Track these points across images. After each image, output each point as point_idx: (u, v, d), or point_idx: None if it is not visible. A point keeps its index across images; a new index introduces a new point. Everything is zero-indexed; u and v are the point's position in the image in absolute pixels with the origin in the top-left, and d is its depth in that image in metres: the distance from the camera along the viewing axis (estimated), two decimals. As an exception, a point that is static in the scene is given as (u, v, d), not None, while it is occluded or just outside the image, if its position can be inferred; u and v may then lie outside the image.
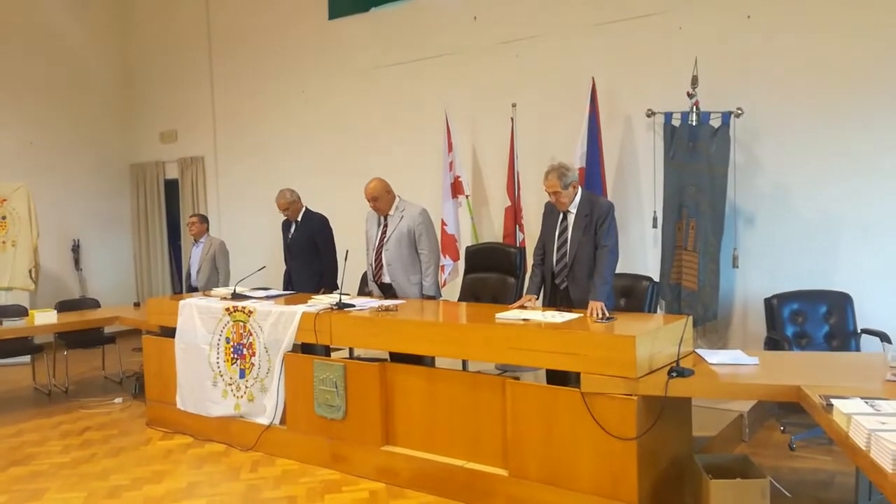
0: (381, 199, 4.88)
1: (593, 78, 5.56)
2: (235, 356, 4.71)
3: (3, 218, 7.93)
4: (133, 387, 6.32)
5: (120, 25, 9.57)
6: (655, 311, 4.39)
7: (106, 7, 9.46)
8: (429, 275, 4.93)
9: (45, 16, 8.75)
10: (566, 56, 6.01)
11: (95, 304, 7.00)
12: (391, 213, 4.93)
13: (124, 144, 9.58)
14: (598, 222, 3.96)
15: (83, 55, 9.19)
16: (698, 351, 3.69)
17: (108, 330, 6.68)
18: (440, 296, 5.09)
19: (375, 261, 4.96)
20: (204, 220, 6.82)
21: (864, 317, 4.62)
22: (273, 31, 8.04)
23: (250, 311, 4.65)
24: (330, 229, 5.64)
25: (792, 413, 4.64)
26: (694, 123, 5.10)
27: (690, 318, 3.73)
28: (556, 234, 4.11)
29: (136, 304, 7.16)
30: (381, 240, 4.93)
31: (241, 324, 4.68)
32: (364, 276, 5.34)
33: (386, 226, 4.94)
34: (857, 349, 4.53)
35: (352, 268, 4.83)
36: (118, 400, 6.05)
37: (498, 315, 3.87)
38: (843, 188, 4.91)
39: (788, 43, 5.06)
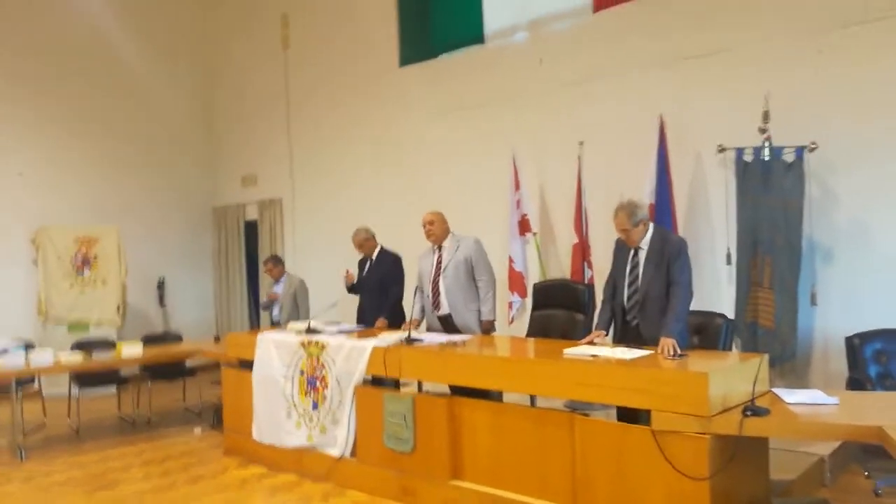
0: (437, 224, 5.08)
1: (661, 115, 5.57)
2: (309, 388, 4.84)
3: (95, 258, 8.45)
4: (211, 418, 6.55)
5: (204, 78, 10.21)
6: (730, 350, 4.29)
7: (193, 63, 10.12)
8: (487, 301, 5.04)
9: (138, 72, 9.38)
10: (632, 94, 6.04)
11: (178, 339, 7.34)
12: (445, 244, 5.09)
13: (207, 188, 10.13)
14: (671, 259, 3.93)
15: (171, 107, 9.82)
16: (775, 390, 3.58)
17: (189, 363, 6.98)
18: (496, 319, 5.17)
19: (433, 292, 5.08)
20: (278, 261, 7.09)
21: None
22: (347, 79, 8.39)
23: (323, 345, 4.80)
24: (401, 268, 5.78)
25: (877, 458, 4.40)
26: (767, 158, 5.02)
27: (766, 356, 3.65)
28: (628, 270, 4.10)
29: (217, 339, 7.45)
30: (438, 270, 5.05)
31: (315, 357, 4.82)
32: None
33: (441, 257, 5.07)
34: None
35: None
36: (197, 430, 6.28)
37: (566, 350, 3.87)
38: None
39: (859, 76, 4.96)
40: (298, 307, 6.83)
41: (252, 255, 9.63)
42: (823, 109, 5.07)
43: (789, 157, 4.99)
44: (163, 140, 9.70)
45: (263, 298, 7.33)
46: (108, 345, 6.63)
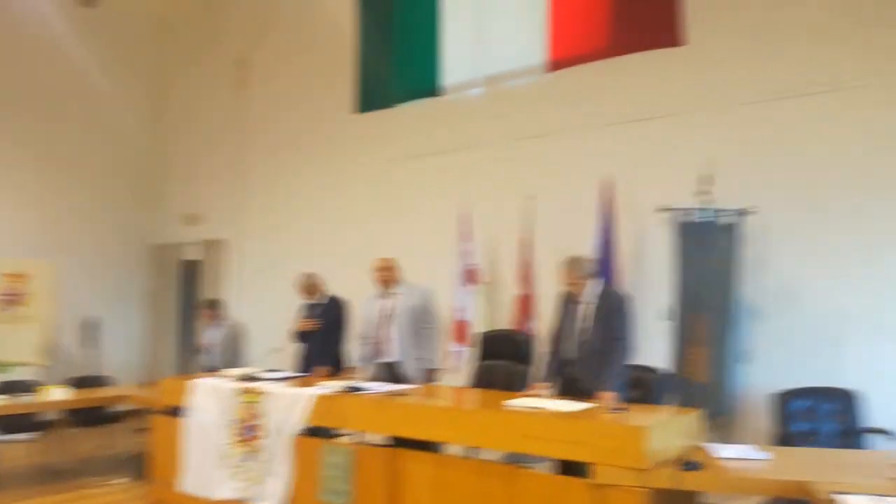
0: (390, 271, 5.14)
1: (608, 174, 5.76)
2: (244, 438, 4.70)
3: (26, 294, 8.09)
4: (137, 468, 6.25)
5: (151, 114, 10.03)
6: (667, 404, 4.38)
7: (140, 97, 9.91)
8: (433, 350, 5.07)
9: (79, 103, 9.17)
10: (582, 152, 6.23)
11: (107, 382, 7.03)
12: (395, 291, 5.12)
13: (147, 226, 9.85)
14: (613, 314, 4.04)
15: (113, 141, 9.56)
16: (708, 445, 3.66)
17: (116, 409, 6.68)
18: (441, 369, 5.23)
19: (380, 339, 5.06)
20: (216, 306, 6.92)
21: (877, 414, 4.58)
22: (301, 123, 8.41)
23: (262, 393, 4.68)
24: (348, 313, 5.73)
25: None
26: (706, 220, 5.23)
27: (702, 411, 3.74)
28: (571, 323, 4.18)
29: (147, 384, 7.17)
30: (387, 316, 5.03)
31: (253, 405, 4.70)
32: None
33: (390, 303, 5.10)
34: (865, 446, 4.47)
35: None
36: (120, 480, 5.98)
37: (509, 402, 3.88)
38: (854, 286, 4.97)
39: (796, 144, 5.25)
40: (234, 353, 6.67)
41: (190, 296, 9.38)
42: (761, 176, 5.32)
43: (727, 219, 5.20)
44: (102, 174, 9.42)
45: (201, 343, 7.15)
46: (33, 387, 6.32)
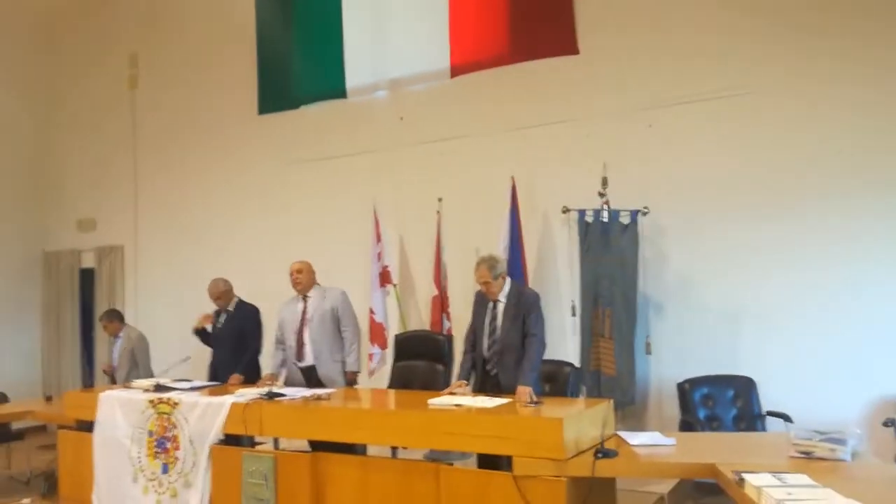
0: (305, 274, 5.13)
1: (513, 177, 5.97)
2: (158, 450, 4.58)
3: None
4: (42, 486, 5.94)
5: (42, 114, 9.42)
6: (577, 396, 4.61)
7: (29, 97, 9.29)
8: (352, 352, 5.12)
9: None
10: (487, 155, 6.41)
11: (3, 399, 6.61)
12: (311, 293, 5.12)
13: (38, 232, 9.28)
14: (527, 312, 4.21)
15: (2, 139, 8.98)
16: (619, 433, 3.89)
17: (15, 426, 6.30)
18: (360, 371, 5.28)
19: (297, 342, 5.05)
20: (114, 316, 6.64)
21: (768, 399, 4.99)
22: (201, 124, 8.18)
23: (175, 403, 4.58)
24: (260, 321, 5.65)
25: (708, 495, 4.87)
26: (605, 220, 5.52)
27: (612, 401, 3.97)
28: (487, 322, 4.33)
29: (48, 398, 6.81)
30: (304, 320, 5.03)
31: (166, 416, 4.58)
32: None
33: (306, 306, 5.08)
34: (764, 429, 4.86)
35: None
36: (26, 501, 5.66)
37: (430, 401, 3.98)
38: (744, 279, 5.37)
39: (685, 147, 5.63)
40: (138, 364, 6.43)
41: (88, 305, 8.94)
42: (654, 178, 5.66)
43: (625, 219, 5.52)
44: (-8, 180, 8.85)
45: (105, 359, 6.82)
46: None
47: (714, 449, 3.56)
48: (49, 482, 5.93)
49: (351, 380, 5.08)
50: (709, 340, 5.42)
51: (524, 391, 3.93)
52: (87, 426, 4.98)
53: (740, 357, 5.27)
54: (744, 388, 4.99)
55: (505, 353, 4.24)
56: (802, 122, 5.27)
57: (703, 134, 5.58)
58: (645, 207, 5.51)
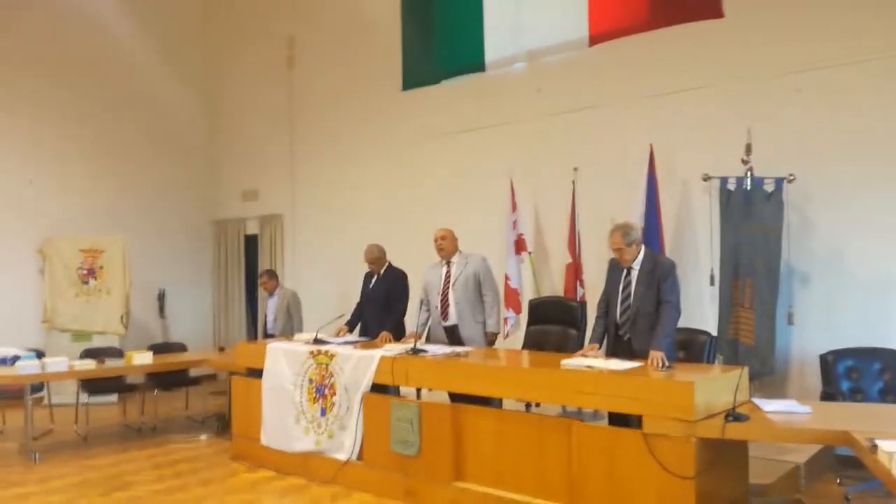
0: (448, 240, 5.42)
1: (651, 144, 5.95)
2: (317, 395, 5.12)
3: (101, 268, 8.67)
4: (215, 426, 6.78)
5: (208, 93, 10.49)
6: (713, 364, 4.63)
7: (197, 77, 10.41)
8: (492, 314, 5.38)
9: (142, 84, 9.69)
10: (624, 124, 6.42)
11: (182, 349, 7.56)
12: (454, 259, 5.41)
13: (208, 202, 10.39)
14: (661, 279, 4.28)
15: (174, 121, 10.12)
16: (754, 400, 3.92)
17: (192, 373, 7.21)
18: (500, 333, 5.57)
19: (442, 303, 5.38)
20: (273, 275, 7.41)
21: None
22: (350, 100, 8.73)
23: (332, 355, 5.08)
24: (407, 285, 6.05)
25: (849, 467, 4.77)
26: (748, 188, 5.40)
27: (746, 368, 3.98)
28: (620, 288, 4.44)
29: (221, 349, 7.69)
30: (447, 283, 5.36)
31: (324, 366, 5.10)
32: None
33: (450, 271, 5.40)
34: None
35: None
36: (203, 437, 6.51)
37: (564, 361, 4.19)
38: (894, 248, 5.11)
39: (835, 113, 5.38)
40: (292, 318, 7.13)
41: (252, 268, 9.89)
42: (802, 144, 5.47)
43: (769, 187, 5.37)
44: (165, 153, 9.96)
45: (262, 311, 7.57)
46: (118, 353, 6.86)
47: (851, 418, 3.52)
48: (221, 423, 6.77)
49: (491, 340, 5.38)
50: (855, 312, 5.21)
51: (656, 356, 4.03)
52: (255, 373, 5.63)
53: (889, 329, 5.04)
54: (892, 361, 4.79)
55: (638, 318, 4.35)
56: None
57: (858, 97, 5.30)
58: (791, 175, 5.34)
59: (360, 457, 4.85)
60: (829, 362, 4.92)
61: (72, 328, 8.42)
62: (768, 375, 5.28)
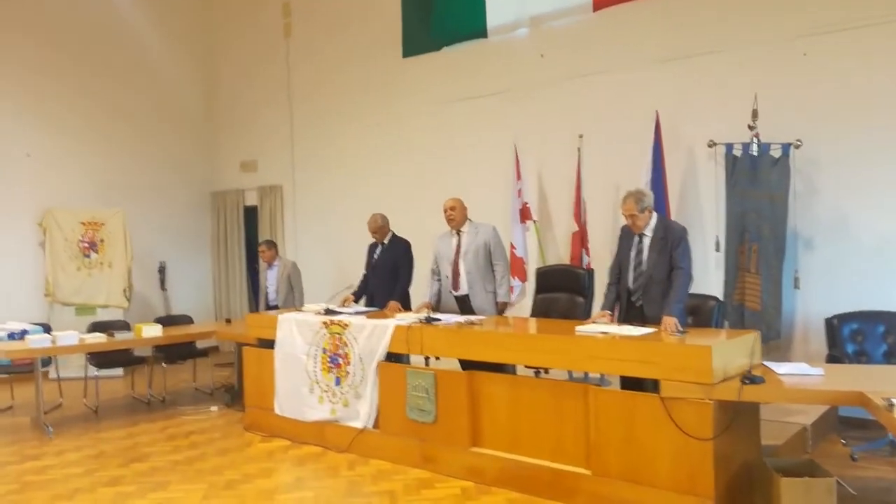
0: (458, 210, 5.43)
1: (657, 111, 5.96)
2: (332, 365, 5.17)
3: (102, 241, 8.64)
4: (225, 397, 6.84)
5: (206, 63, 10.35)
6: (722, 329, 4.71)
7: (195, 48, 10.26)
8: (503, 284, 5.42)
9: (140, 55, 9.55)
10: (629, 90, 6.42)
11: (189, 321, 7.57)
12: (465, 229, 5.43)
13: (207, 173, 10.31)
14: (673, 245, 4.32)
15: (172, 92, 9.97)
16: (766, 363, 4.00)
17: (199, 345, 7.25)
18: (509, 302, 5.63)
19: (453, 273, 5.42)
20: (272, 245, 7.39)
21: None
22: (350, 69, 8.65)
23: (346, 325, 5.13)
24: (411, 254, 6.09)
25: (853, 428, 4.90)
26: (754, 153, 5.44)
27: (759, 333, 4.06)
28: (633, 255, 4.48)
29: (228, 321, 7.72)
30: (458, 253, 5.40)
31: (338, 336, 5.15)
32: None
33: (460, 241, 5.43)
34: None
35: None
36: (214, 408, 6.57)
37: (577, 328, 4.25)
38: (899, 214, 5.19)
39: (842, 78, 5.40)
40: (293, 289, 7.16)
41: (251, 240, 9.86)
42: (808, 110, 5.50)
43: (776, 153, 5.41)
44: (163, 124, 9.84)
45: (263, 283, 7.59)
46: (125, 326, 6.88)
47: (863, 378, 3.61)
48: (231, 394, 6.83)
49: (501, 309, 5.43)
50: (861, 276, 5.30)
51: (669, 321, 4.09)
52: (266, 344, 5.67)
53: (894, 293, 5.13)
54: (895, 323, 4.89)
55: (650, 285, 4.40)
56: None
57: (865, 62, 5.32)
58: (798, 140, 5.38)
59: (375, 425, 4.93)
60: (834, 326, 5.02)
61: (74, 302, 8.42)
62: (774, 339, 5.37)
